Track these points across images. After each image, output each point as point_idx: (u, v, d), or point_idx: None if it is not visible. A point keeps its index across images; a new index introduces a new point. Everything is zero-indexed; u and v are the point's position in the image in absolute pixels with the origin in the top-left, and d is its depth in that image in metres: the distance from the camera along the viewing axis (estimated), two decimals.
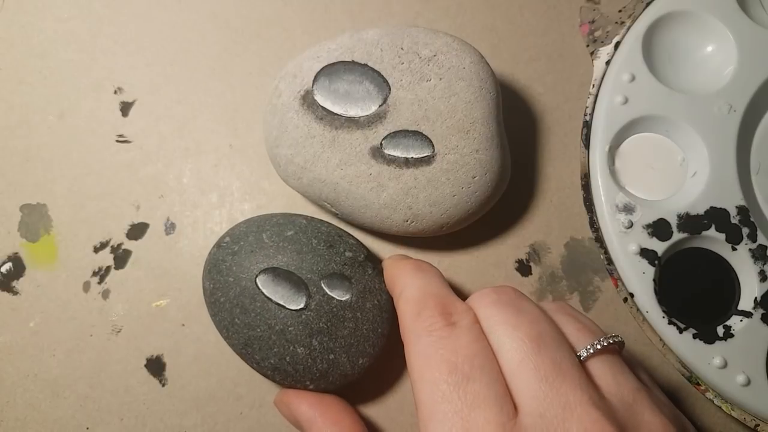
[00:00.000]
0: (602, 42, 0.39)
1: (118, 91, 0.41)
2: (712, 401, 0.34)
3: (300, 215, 0.36)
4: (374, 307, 0.33)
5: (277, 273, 0.33)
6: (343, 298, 0.33)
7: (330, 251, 0.34)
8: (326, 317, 0.32)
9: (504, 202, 0.38)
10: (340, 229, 0.36)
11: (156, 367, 0.37)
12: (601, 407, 0.23)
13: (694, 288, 0.36)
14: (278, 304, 0.33)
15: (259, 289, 0.33)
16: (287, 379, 0.33)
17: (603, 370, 0.26)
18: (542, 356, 0.24)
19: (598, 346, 0.26)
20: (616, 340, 0.27)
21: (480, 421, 0.23)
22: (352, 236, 0.36)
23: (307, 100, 0.35)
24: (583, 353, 0.26)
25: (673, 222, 0.36)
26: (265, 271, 0.33)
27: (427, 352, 0.25)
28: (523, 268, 0.39)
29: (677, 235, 0.35)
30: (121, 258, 0.39)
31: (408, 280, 0.31)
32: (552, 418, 0.23)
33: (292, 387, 0.34)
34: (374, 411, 0.37)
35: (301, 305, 0.33)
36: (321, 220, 0.36)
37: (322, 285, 0.33)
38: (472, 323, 0.26)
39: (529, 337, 0.25)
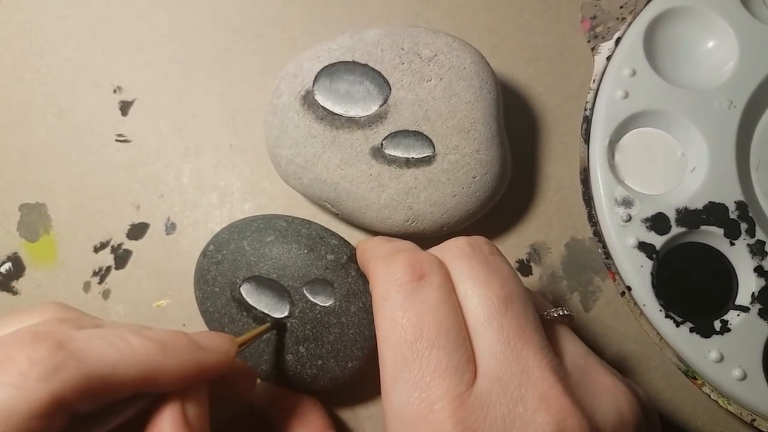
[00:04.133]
0: (603, 38, 0.39)
1: (117, 90, 0.41)
2: (709, 396, 0.34)
3: (281, 216, 0.35)
4: (359, 311, 0.33)
5: (260, 281, 0.33)
6: (327, 304, 0.32)
7: (311, 255, 0.33)
8: (311, 324, 0.32)
9: (504, 202, 0.38)
10: (323, 228, 0.35)
11: None
12: (558, 372, 0.24)
13: (692, 282, 0.36)
14: (263, 313, 0.33)
15: (243, 298, 0.33)
16: (279, 384, 0.34)
17: (559, 336, 0.27)
18: (508, 318, 0.25)
19: (557, 314, 0.27)
20: (568, 312, 0.28)
21: (438, 392, 0.23)
22: (336, 235, 0.35)
23: (308, 100, 0.35)
24: (547, 317, 0.27)
25: (672, 216, 0.36)
26: (248, 279, 0.33)
27: (394, 314, 0.25)
28: (524, 268, 0.39)
29: (675, 230, 0.36)
30: (122, 258, 0.39)
31: (377, 245, 0.30)
32: (508, 382, 0.23)
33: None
34: (367, 411, 0.37)
35: (285, 313, 0.33)
36: (302, 221, 0.35)
37: (305, 292, 0.33)
38: (443, 281, 0.26)
39: (498, 298, 0.25)
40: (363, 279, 0.33)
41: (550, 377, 0.23)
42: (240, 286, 0.33)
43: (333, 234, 0.35)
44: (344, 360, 0.33)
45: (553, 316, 0.28)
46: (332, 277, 0.33)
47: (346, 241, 0.35)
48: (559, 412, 0.23)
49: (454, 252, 0.28)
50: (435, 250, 0.29)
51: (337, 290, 0.33)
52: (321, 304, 0.32)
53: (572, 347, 0.27)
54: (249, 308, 0.33)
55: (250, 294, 0.33)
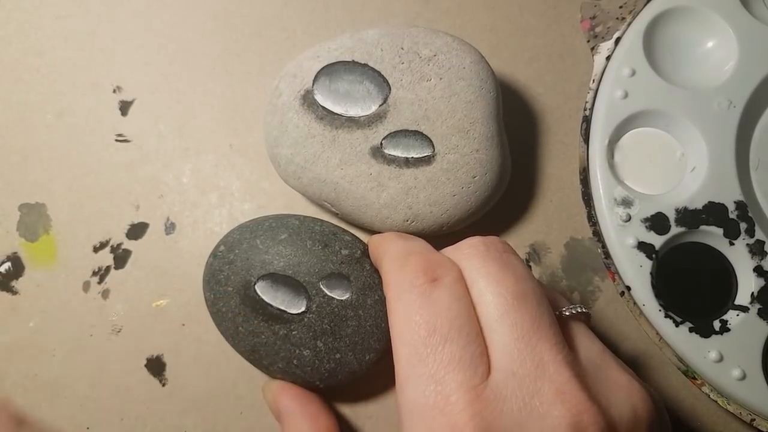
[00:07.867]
0: (603, 38, 0.39)
1: (117, 89, 0.41)
2: (708, 395, 0.34)
3: (292, 215, 0.35)
4: (375, 303, 0.33)
5: (275, 278, 0.33)
6: (344, 298, 0.33)
7: (325, 251, 0.33)
8: (328, 318, 0.32)
9: (504, 202, 0.38)
10: (335, 226, 0.35)
11: (156, 367, 0.37)
12: (574, 368, 0.24)
13: (691, 282, 0.36)
14: (279, 310, 0.33)
15: (258, 296, 0.33)
16: (297, 380, 0.33)
17: (574, 333, 0.27)
18: (522, 313, 0.25)
19: (573, 311, 0.28)
20: (586, 309, 0.28)
21: (453, 384, 0.23)
22: (348, 232, 0.35)
23: (308, 100, 0.35)
24: (564, 313, 0.27)
25: (671, 216, 0.36)
26: (263, 277, 0.33)
27: (408, 312, 0.25)
28: None
29: (675, 229, 0.35)
30: (121, 258, 0.39)
31: (390, 243, 0.31)
32: (524, 376, 0.23)
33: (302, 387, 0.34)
34: (367, 411, 0.37)
35: (302, 309, 0.33)
36: (314, 219, 0.35)
37: (321, 286, 0.33)
38: (455, 281, 0.26)
39: (512, 294, 0.25)
40: (378, 272, 0.33)
41: (565, 372, 0.24)
42: (255, 284, 0.33)
43: (345, 231, 0.35)
44: (362, 353, 0.33)
45: (570, 312, 0.28)
46: (348, 271, 0.33)
47: (357, 237, 0.35)
48: (575, 405, 0.23)
49: (469, 251, 0.28)
50: (449, 251, 0.29)
51: (353, 284, 0.33)
52: (338, 297, 0.33)
53: (588, 344, 0.27)
54: (264, 305, 0.33)
55: (265, 291, 0.33)
